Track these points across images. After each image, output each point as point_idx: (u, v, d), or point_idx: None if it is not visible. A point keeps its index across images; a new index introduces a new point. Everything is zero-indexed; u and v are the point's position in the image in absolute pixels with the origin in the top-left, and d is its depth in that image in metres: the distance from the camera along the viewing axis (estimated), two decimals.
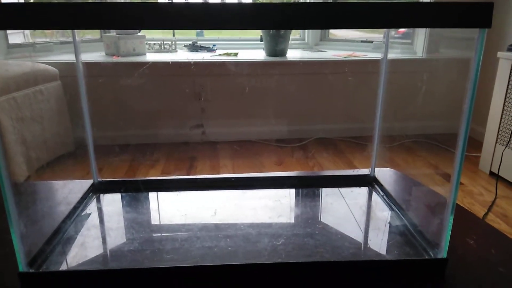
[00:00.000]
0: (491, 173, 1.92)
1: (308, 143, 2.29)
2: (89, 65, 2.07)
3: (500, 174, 1.84)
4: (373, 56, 2.25)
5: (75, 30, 0.77)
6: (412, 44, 2.37)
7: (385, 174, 0.88)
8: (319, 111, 2.30)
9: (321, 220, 0.72)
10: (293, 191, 0.83)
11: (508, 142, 1.80)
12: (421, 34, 2.31)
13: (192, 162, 2.06)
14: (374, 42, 2.39)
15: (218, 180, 0.86)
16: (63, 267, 0.59)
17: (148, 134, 2.23)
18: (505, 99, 1.81)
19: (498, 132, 1.87)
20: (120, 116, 2.15)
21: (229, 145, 2.24)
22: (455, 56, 2.10)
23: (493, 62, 1.93)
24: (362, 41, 2.42)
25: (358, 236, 0.68)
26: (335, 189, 0.83)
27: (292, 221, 0.72)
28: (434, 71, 2.28)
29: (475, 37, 0.50)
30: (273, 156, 2.13)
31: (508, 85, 1.79)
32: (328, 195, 0.82)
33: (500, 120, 1.85)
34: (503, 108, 1.82)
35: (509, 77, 1.78)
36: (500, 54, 1.82)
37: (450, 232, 0.57)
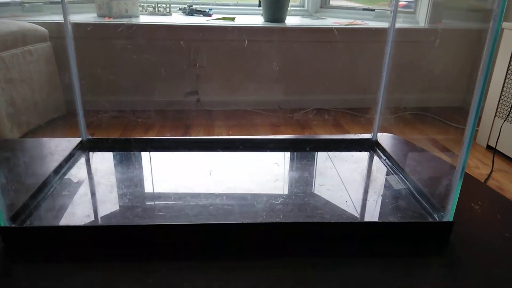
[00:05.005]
0: (488, 147, 1.90)
1: (306, 114, 2.25)
2: (79, 27, 1.98)
3: (497, 148, 1.82)
4: (375, 25, 2.18)
5: None
6: (414, 13, 2.30)
7: (387, 140, 0.85)
8: (318, 80, 2.24)
9: (322, 182, 0.69)
10: (293, 153, 0.80)
11: (508, 115, 1.77)
12: (424, 3, 2.23)
13: (186, 130, 2.02)
14: (376, 10, 2.31)
15: (213, 141, 0.82)
16: (48, 222, 0.55)
17: (140, 101, 2.17)
18: (507, 72, 1.77)
19: (497, 105, 1.83)
20: (111, 81, 2.08)
21: (224, 114, 2.20)
22: (460, 26, 2.04)
23: None
24: (364, 9, 2.35)
25: (361, 199, 0.65)
26: (337, 153, 0.80)
27: (292, 183, 0.69)
28: (436, 42, 2.22)
29: None
30: (269, 125, 2.09)
31: (511, 57, 1.75)
32: (329, 158, 0.78)
33: (501, 93, 1.81)
34: (505, 80, 1.79)
35: None
36: (505, 24, 1.76)
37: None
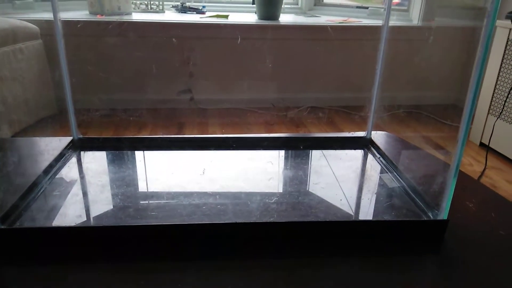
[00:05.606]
0: (481, 144, 1.91)
1: (300, 112, 2.24)
2: (70, 24, 1.96)
3: (490, 145, 1.83)
4: (369, 23, 2.18)
5: None
6: (408, 11, 2.30)
7: (381, 138, 0.85)
8: (312, 78, 2.24)
9: (316, 181, 0.68)
10: (287, 152, 0.80)
11: (501, 113, 1.78)
12: (417, 1, 2.24)
13: (180, 128, 2.01)
14: (369, 8, 2.31)
15: (206, 139, 0.81)
16: (39, 223, 0.54)
17: (132, 99, 2.15)
18: (499, 69, 1.78)
19: (490, 103, 1.84)
20: (103, 79, 2.06)
21: (218, 112, 2.19)
22: (453, 24, 2.05)
23: None
24: (357, 7, 2.35)
25: (355, 197, 0.65)
26: (331, 151, 0.79)
27: (286, 181, 0.68)
28: (429, 39, 2.23)
29: None
30: (263, 123, 2.09)
31: (504, 55, 1.75)
32: (323, 156, 0.78)
33: (494, 91, 1.82)
34: (497, 78, 1.79)
35: (506, 46, 1.74)
36: (497, 22, 1.77)
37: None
